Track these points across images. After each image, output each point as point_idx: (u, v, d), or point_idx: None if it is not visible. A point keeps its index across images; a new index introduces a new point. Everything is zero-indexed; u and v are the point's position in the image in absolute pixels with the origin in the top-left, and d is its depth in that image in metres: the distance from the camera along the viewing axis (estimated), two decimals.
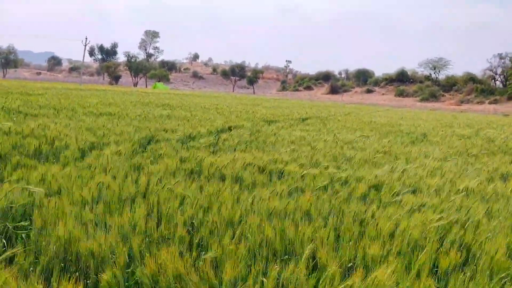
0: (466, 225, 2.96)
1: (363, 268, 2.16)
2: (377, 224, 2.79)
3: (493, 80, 75.04)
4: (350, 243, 2.48)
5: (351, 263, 2.35)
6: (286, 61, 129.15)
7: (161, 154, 5.01)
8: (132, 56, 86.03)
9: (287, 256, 2.40)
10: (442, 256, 2.37)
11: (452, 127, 14.87)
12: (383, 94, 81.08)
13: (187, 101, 22.35)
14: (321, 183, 3.92)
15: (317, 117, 16.02)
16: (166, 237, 2.48)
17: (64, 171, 3.64)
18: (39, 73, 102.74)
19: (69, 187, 3.18)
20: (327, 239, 2.51)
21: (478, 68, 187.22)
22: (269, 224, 2.61)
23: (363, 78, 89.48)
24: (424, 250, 2.40)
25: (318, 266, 2.25)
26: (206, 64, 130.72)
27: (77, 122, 7.72)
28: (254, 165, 4.61)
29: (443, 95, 73.14)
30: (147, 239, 2.44)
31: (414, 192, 4.01)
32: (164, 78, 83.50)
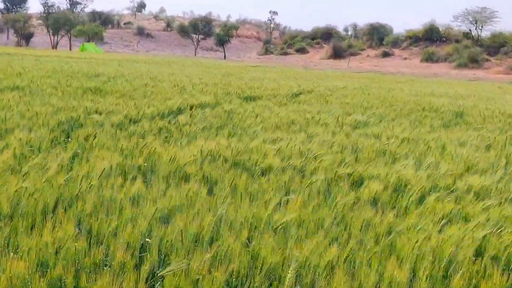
0: None
1: None
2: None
3: None
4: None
5: None
6: (271, 12, 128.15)
7: (92, 145, 4.97)
8: (51, 5, 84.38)
9: None
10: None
11: (497, 103, 15.18)
12: (405, 58, 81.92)
13: (129, 69, 22.11)
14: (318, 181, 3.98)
15: (313, 91, 16.11)
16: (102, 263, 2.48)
17: None
18: None
19: None
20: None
21: None
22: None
23: (378, 36, 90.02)
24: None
25: None
26: (156, 17, 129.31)
27: None
28: (223, 159, 4.63)
29: (487, 60, 74.18)
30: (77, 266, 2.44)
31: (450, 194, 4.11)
32: (96, 37, 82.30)
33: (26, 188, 3.26)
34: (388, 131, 7.48)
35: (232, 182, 3.89)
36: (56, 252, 2.52)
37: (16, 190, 3.19)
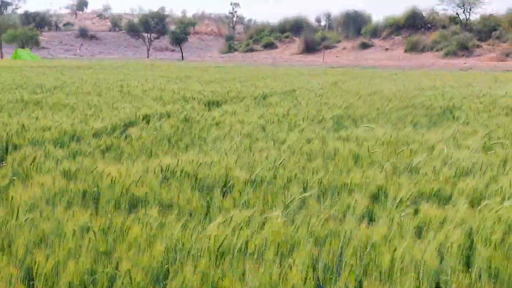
0: None
1: None
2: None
3: None
4: None
5: None
6: (232, 4, 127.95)
7: (31, 168, 4.93)
8: None
9: None
10: None
11: (494, 95, 15.46)
12: (386, 49, 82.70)
13: (72, 77, 21.92)
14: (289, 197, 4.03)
15: (284, 92, 16.22)
16: None
17: None
18: None
19: None
20: None
21: None
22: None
23: (354, 26, 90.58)
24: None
25: None
26: (100, 16, 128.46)
27: None
28: (185, 174, 4.65)
29: (478, 46, 75.13)
30: None
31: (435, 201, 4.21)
32: (31, 42, 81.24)
33: None
34: (368, 133, 7.56)
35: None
36: None
37: None
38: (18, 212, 3.54)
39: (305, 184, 4.56)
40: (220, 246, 3.05)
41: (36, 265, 2.82)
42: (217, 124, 8.36)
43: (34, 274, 2.82)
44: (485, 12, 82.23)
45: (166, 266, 2.88)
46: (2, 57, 74.19)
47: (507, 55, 69.24)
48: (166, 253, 2.98)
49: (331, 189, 4.49)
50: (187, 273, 2.65)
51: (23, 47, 74.62)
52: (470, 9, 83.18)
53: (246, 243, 3.12)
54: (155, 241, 3.01)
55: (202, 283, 2.60)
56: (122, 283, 2.68)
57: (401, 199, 4.15)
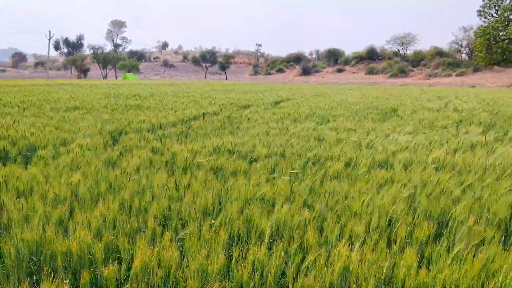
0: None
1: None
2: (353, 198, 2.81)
3: (459, 53, 76.66)
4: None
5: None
6: (257, 44, 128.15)
7: (131, 146, 4.92)
8: (98, 48, 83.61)
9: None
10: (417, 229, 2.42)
11: (421, 101, 15.15)
12: (354, 72, 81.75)
13: (158, 90, 21.95)
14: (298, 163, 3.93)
15: (289, 99, 16.04)
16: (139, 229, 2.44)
17: (30, 171, 3.51)
18: (3, 70, 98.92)
19: (41, 187, 3.08)
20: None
21: (445, 42, 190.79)
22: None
23: (333, 57, 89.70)
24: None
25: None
26: (176, 52, 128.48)
27: (43, 119, 7.47)
28: (227, 150, 4.59)
29: (412, 70, 74.35)
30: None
31: (383, 167, 4.09)
32: (134, 69, 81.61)
33: (82, 180, 3.22)
34: (342, 124, 7.43)
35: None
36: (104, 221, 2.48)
37: (70, 182, 3.15)
38: (127, 173, 3.52)
39: (303, 157, 4.47)
40: (247, 195, 2.98)
41: (133, 204, 2.80)
42: (247, 119, 8.29)
43: (131, 208, 2.78)
44: (416, 48, 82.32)
45: (213, 206, 2.82)
46: (116, 78, 74.74)
47: (430, 75, 68.86)
48: (217, 198, 2.92)
49: (320, 159, 4.40)
50: (229, 211, 2.59)
51: (129, 72, 75.14)
52: (406, 47, 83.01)
53: (264, 194, 3.05)
54: (208, 191, 2.95)
55: (239, 217, 2.54)
56: (185, 216, 2.64)
57: (364, 164, 4.04)
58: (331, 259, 2.05)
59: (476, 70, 66.14)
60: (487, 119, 8.65)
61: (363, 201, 2.81)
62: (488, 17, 45.31)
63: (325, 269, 1.97)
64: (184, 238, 2.29)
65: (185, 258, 2.10)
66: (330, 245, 2.31)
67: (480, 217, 2.68)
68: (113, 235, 2.31)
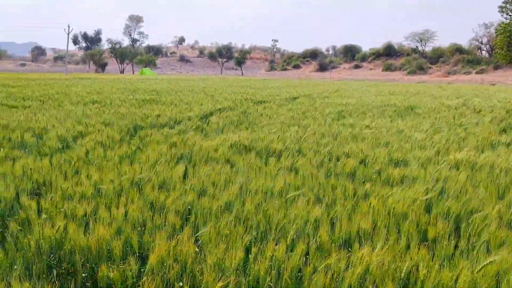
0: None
1: None
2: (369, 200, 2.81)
3: (479, 50, 75.07)
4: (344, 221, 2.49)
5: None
6: (273, 40, 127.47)
7: (150, 141, 4.98)
8: (116, 43, 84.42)
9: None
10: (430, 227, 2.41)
11: (440, 98, 14.93)
12: (371, 69, 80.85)
13: (175, 85, 22.09)
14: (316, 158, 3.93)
15: (305, 95, 15.98)
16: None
17: (42, 162, 3.59)
18: (23, 64, 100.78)
19: (58, 181, 3.15)
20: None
21: (465, 39, 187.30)
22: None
23: (350, 53, 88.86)
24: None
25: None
26: (192, 47, 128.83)
27: (63, 112, 7.61)
28: (243, 145, 4.61)
29: (430, 67, 73.15)
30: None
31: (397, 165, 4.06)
32: (150, 64, 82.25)
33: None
34: (359, 121, 7.38)
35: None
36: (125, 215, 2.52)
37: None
38: (141, 167, 3.56)
39: (318, 153, 4.46)
40: (264, 189, 3.00)
41: (155, 199, 2.83)
42: (261, 115, 8.29)
43: (155, 204, 2.82)
44: (435, 45, 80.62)
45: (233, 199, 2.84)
46: (133, 73, 75.47)
47: (449, 73, 67.57)
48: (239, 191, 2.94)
49: (335, 156, 4.38)
50: (248, 205, 2.61)
51: (146, 67, 75.71)
52: (425, 43, 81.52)
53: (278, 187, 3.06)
54: (230, 184, 2.97)
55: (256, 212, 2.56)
56: (204, 212, 2.66)
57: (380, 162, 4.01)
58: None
59: (496, 67, 64.77)
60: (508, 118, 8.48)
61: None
62: (510, 14, 44.40)
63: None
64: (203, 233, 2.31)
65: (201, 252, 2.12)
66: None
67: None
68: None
